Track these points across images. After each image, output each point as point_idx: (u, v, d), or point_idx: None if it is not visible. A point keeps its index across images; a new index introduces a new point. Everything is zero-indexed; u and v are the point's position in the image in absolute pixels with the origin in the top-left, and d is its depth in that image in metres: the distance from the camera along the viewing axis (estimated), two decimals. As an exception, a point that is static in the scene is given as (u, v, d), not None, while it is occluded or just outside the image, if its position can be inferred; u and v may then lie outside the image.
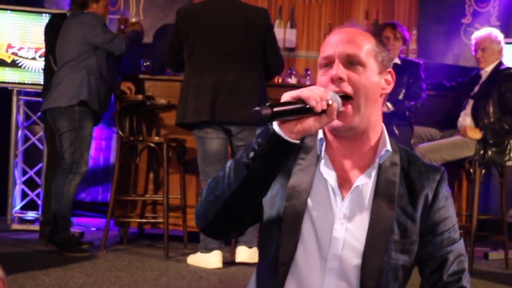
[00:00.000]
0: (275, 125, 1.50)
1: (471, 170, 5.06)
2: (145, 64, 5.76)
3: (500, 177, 5.19)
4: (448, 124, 5.46)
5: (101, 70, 4.93)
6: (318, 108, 1.52)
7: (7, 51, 5.96)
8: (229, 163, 1.63)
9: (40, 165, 5.86)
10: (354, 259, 1.68)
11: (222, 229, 1.70)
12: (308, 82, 6.01)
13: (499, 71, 5.10)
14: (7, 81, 5.98)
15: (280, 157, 1.55)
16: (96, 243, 5.21)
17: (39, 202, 5.88)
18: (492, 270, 5.06)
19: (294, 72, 6.25)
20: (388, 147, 1.73)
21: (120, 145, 5.17)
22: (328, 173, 1.71)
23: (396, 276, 1.70)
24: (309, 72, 6.21)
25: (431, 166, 1.81)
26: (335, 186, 1.71)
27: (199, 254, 4.54)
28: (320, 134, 1.74)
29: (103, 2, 5.08)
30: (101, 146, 6.80)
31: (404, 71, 5.19)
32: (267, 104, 1.46)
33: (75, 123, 4.81)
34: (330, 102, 1.54)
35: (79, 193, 6.46)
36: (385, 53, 1.77)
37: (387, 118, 4.82)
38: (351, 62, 1.67)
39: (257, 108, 1.44)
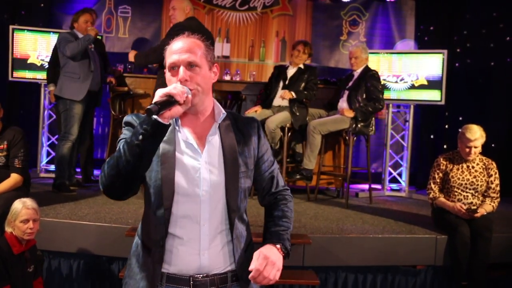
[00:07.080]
0: (154, 116, 1.58)
1: (347, 138, 5.31)
2: (129, 66, 6.07)
3: (366, 142, 5.53)
4: (332, 107, 5.70)
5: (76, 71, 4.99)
6: (181, 100, 1.63)
7: (37, 58, 6.26)
8: (121, 146, 1.64)
9: (58, 134, 5.77)
10: (219, 190, 1.77)
11: (124, 193, 1.71)
12: (238, 78, 6.32)
13: (366, 72, 5.41)
14: (38, 78, 6.25)
15: (159, 136, 1.63)
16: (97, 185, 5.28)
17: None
18: (361, 204, 5.40)
19: (228, 72, 6.54)
20: (223, 112, 1.82)
21: (112, 120, 5.49)
22: (187, 137, 1.78)
23: (245, 194, 1.84)
24: (238, 72, 6.53)
25: (248, 118, 1.91)
26: (195, 144, 1.77)
27: None
28: None
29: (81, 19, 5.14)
30: (100, 121, 7.02)
31: (305, 72, 5.47)
32: (153, 103, 1.57)
33: (66, 106, 5.02)
34: (186, 95, 1.66)
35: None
36: (212, 53, 1.82)
37: (291, 102, 5.31)
38: (191, 65, 1.74)
39: (149, 107, 1.55)
